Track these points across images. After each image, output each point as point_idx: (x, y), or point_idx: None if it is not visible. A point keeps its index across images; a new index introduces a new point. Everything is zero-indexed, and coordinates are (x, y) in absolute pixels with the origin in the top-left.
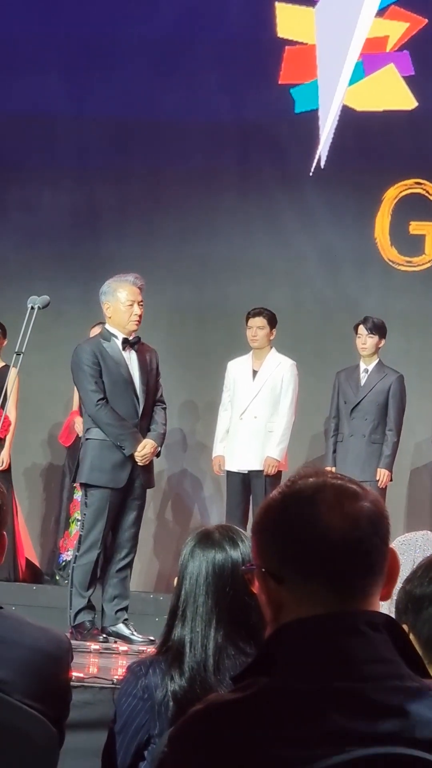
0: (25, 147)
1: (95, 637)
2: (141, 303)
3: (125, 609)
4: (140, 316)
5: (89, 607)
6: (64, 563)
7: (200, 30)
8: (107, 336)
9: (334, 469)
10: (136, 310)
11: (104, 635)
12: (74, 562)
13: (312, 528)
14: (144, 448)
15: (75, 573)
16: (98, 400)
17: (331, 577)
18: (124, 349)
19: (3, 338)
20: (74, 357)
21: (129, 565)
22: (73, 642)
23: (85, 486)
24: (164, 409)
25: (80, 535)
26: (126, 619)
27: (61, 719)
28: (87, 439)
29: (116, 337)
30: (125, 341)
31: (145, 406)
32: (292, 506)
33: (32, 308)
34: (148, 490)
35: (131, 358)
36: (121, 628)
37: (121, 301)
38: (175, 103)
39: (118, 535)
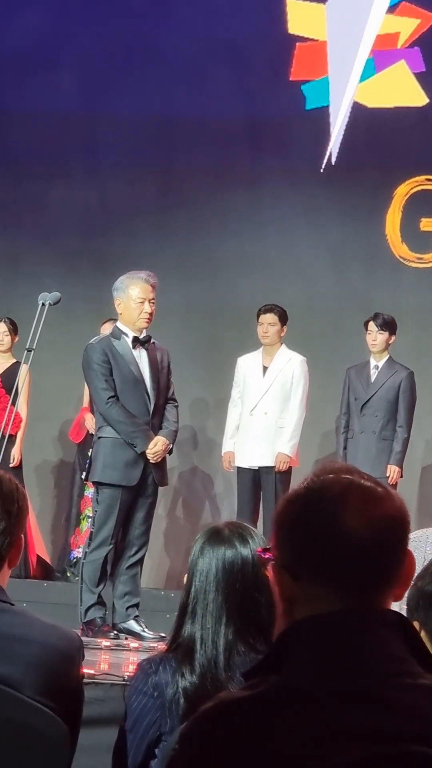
0: (37, 144)
1: (106, 634)
2: (152, 301)
3: (136, 606)
4: (151, 314)
5: (100, 603)
6: (75, 560)
7: (211, 27)
8: (118, 334)
9: None
10: (147, 308)
11: (115, 632)
12: (84, 559)
13: (333, 529)
14: (156, 446)
15: (85, 569)
16: (108, 398)
17: (346, 579)
18: (134, 347)
19: (14, 335)
20: (84, 356)
21: (140, 562)
22: (84, 639)
23: (98, 484)
24: (176, 407)
25: (91, 532)
26: (137, 616)
27: (73, 717)
28: (99, 437)
29: (127, 335)
30: (135, 339)
31: (157, 404)
32: (316, 504)
33: (43, 305)
34: (159, 488)
35: (141, 357)
36: (132, 624)
37: (132, 298)
38: (187, 99)
39: (129, 532)
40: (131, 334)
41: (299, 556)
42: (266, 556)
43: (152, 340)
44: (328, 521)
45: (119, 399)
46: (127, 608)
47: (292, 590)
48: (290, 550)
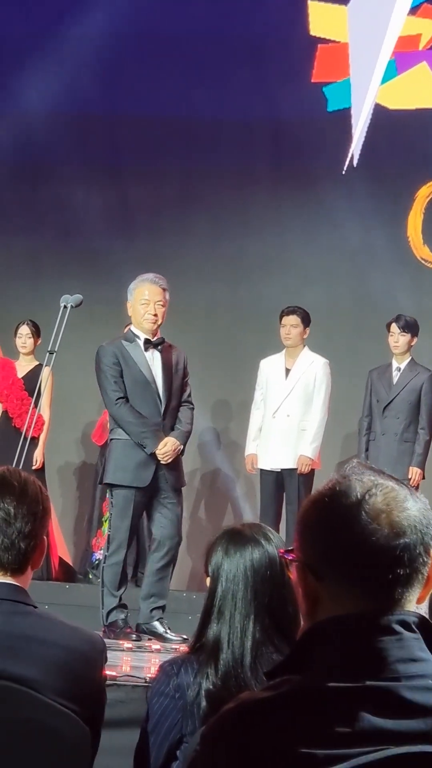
0: (59, 146)
1: (128, 636)
2: (160, 302)
3: (161, 608)
4: (156, 315)
5: (121, 605)
6: (97, 562)
7: (233, 28)
8: (131, 337)
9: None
10: (151, 309)
11: (137, 633)
12: (104, 563)
13: (357, 530)
14: (165, 446)
15: (105, 573)
16: (117, 399)
17: (370, 582)
18: (146, 349)
19: (37, 337)
20: (96, 358)
21: (168, 565)
22: (105, 641)
23: (110, 486)
24: (191, 409)
25: (108, 536)
26: (160, 618)
27: (95, 719)
28: (111, 439)
29: (139, 338)
30: (147, 342)
31: (168, 406)
32: (340, 505)
33: (65, 307)
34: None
35: (154, 359)
36: (155, 625)
37: (136, 300)
38: (208, 101)
39: (158, 534)
40: (143, 337)
41: (323, 557)
42: (289, 557)
43: (168, 343)
44: (352, 522)
45: (129, 400)
46: (152, 610)
47: (316, 590)
48: (314, 551)
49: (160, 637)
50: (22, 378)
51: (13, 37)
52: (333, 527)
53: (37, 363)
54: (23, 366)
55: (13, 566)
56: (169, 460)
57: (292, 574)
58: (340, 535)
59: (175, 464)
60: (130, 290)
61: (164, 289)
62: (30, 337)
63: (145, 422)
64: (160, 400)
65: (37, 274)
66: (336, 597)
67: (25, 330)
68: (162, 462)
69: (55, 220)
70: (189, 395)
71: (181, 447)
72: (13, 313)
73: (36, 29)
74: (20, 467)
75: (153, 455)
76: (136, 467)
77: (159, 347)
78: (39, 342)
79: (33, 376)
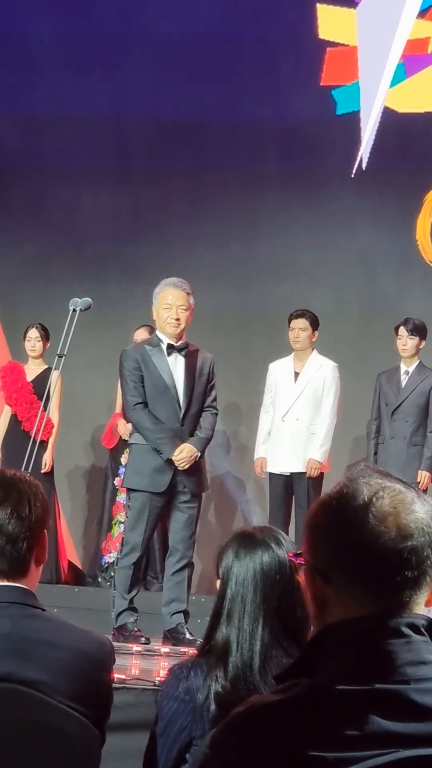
0: (67, 149)
1: (137, 639)
2: (183, 307)
3: (182, 612)
4: (178, 320)
5: (131, 608)
6: (106, 565)
7: (242, 31)
8: (155, 342)
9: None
10: (173, 313)
11: (146, 637)
12: (116, 565)
13: (364, 533)
14: (181, 453)
15: (116, 575)
16: (135, 404)
17: (378, 585)
18: (169, 354)
19: (45, 341)
20: (119, 363)
21: (184, 569)
22: (115, 644)
23: (128, 490)
24: (214, 414)
25: (122, 539)
26: (181, 623)
27: (102, 721)
28: (131, 443)
29: (162, 342)
30: (170, 346)
31: (188, 411)
32: (348, 508)
33: (74, 310)
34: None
35: (177, 363)
36: (178, 629)
37: (160, 304)
38: (217, 104)
39: (171, 539)
40: (166, 341)
41: (331, 560)
42: (298, 561)
43: (195, 347)
44: (359, 525)
45: (148, 405)
46: (172, 615)
47: (324, 593)
48: (322, 554)
49: (181, 641)
50: (31, 381)
51: (22, 39)
52: (340, 530)
53: (46, 366)
54: (32, 369)
55: (11, 571)
56: (186, 467)
57: (301, 577)
58: (348, 538)
59: (194, 469)
60: (154, 294)
61: (188, 294)
62: (39, 341)
63: (162, 428)
64: (180, 406)
65: (46, 278)
66: (344, 600)
67: (33, 333)
68: (179, 468)
69: (64, 224)
70: (213, 400)
71: (198, 454)
72: (22, 316)
73: (44, 31)
74: (29, 471)
75: (170, 461)
76: (152, 472)
77: (183, 352)
78: (48, 345)
79: (42, 379)
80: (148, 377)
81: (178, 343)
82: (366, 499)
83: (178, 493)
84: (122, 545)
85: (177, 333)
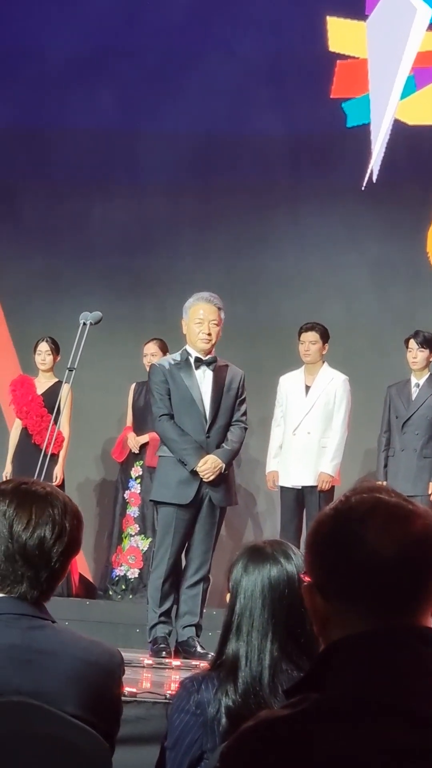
0: (78, 162)
1: (159, 653)
2: (214, 321)
3: (194, 626)
4: (210, 335)
5: (162, 622)
6: (117, 578)
7: (252, 44)
8: (184, 355)
9: (385, 483)
10: (205, 328)
11: (166, 651)
12: (148, 578)
13: (359, 550)
14: (206, 464)
15: (148, 589)
16: (161, 416)
17: (373, 600)
18: (197, 368)
19: (56, 354)
20: (148, 376)
21: (200, 582)
22: (151, 658)
23: (155, 503)
24: (243, 428)
25: (153, 552)
26: (193, 636)
27: (111, 732)
28: (159, 456)
29: (191, 355)
30: (198, 360)
31: (216, 424)
32: (343, 525)
33: (84, 324)
34: (228, 508)
35: (205, 377)
36: (189, 642)
37: (191, 318)
38: (228, 117)
39: (189, 552)
40: (194, 355)
41: (328, 577)
42: (306, 579)
43: (225, 363)
44: (353, 542)
45: (174, 417)
46: (184, 627)
47: (325, 611)
48: (320, 571)
49: (194, 655)
50: (42, 395)
51: (31, 54)
52: (335, 547)
53: (57, 380)
54: (42, 383)
55: (35, 598)
56: (211, 478)
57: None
58: (342, 555)
59: (221, 482)
60: (185, 308)
61: (219, 309)
62: (49, 354)
63: (187, 439)
64: (206, 419)
65: (56, 291)
66: (344, 617)
67: (44, 347)
68: (204, 480)
69: (74, 237)
70: (243, 414)
71: (223, 465)
72: (32, 330)
73: (54, 45)
74: None
75: (196, 472)
76: (177, 484)
77: (211, 366)
78: (58, 359)
79: (52, 393)
80: (175, 390)
81: (207, 357)
82: (360, 515)
83: (203, 506)
84: (152, 559)
85: (208, 348)
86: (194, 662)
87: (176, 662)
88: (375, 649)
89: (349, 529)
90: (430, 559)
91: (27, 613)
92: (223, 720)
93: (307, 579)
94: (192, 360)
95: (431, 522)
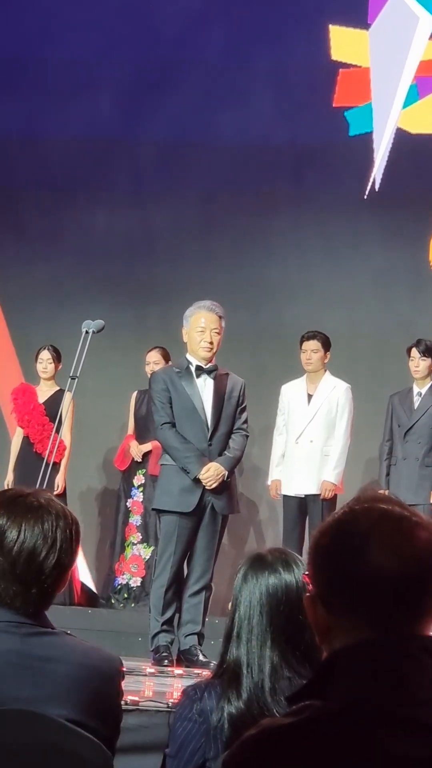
0: (79, 170)
1: (161, 661)
2: (216, 330)
3: (196, 634)
4: (211, 343)
5: (165, 630)
6: (119, 587)
7: (255, 53)
8: (184, 363)
9: (387, 492)
10: (207, 336)
11: (168, 660)
12: (150, 587)
13: (361, 563)
14: (208, 471)
15: (150, 597)
16: (162, 424)
17: (375, 613)
18: (198, 376)
19: (58, 362)
20: (149, 385)
21: (202, 591)
22: (153, 667)
23: (157, 511)
24: (244, 436)
25: (155, 560)
26: (194, 645)
27: (112, 738)
28: (161, 464)
29: (191, 364)
30: (199, 368)
31: (217, 432)
32: (345, 536)
33: (86, 332)
34: (230, 516)
35: (206, 386)
36: (191, 651)
37: (192, 327)
38: (230, 125)
39: (191, 561)
40: (195, 363)
41: (330, 588)
42: (309, 589)
43: (225, 371)
44: (356, 554)
45: (175, 426)
46: (187, 636)
47: (327, 621)
48: (322, 582)
49: (196, 663)
50: (43, 403)
51: (34, 63)
52: (338, 559)
53: (58, 388)
54: (44, 391)
55: (32, 613)
56: (214, 485)
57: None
58: (345, 567)
59: (224, 489)
60: (186, 317)
61: (220, 317)
62: (51, 363)
63: (188, 447)
64: (207, 427)
65: (58, 300)
66: (346, 628)
67: (45, 355)
68: (207, 487)
69: (76, 246)
70: (244, 422)
71: (225, 472)
72: (34, 338)
73: (56, 55)
74: None
75: (198, 480)
76: (180, 492)
77: (212, 374)
78: (60, 367)
79: (54, 401)
80: (176, 398)
81: (207, 366)
82: (363, 527)
83: (206, 514)
84: (155, 567)
85: (209, 356)
86: (196, 671)
87: (178, 671)
88: (377, 657)
89: (352, 542)
90: None
91: (27, 621)
92: (226, 728)
93: (310, 588)
94: (193, 368)
95: None
